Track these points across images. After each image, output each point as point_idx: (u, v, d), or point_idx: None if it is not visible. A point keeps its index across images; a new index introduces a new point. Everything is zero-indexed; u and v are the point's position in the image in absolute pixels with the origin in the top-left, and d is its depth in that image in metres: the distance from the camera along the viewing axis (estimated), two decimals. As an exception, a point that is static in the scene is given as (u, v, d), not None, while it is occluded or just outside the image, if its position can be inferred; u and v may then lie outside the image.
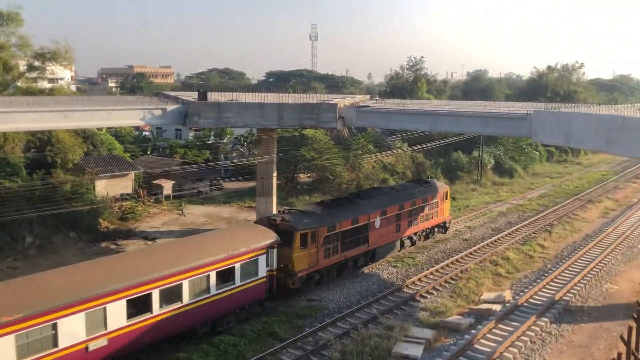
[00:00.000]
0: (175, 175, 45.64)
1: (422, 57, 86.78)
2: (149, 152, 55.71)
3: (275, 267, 24.23)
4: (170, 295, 19.51)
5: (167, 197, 44.44)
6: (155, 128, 63.53)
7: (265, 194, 36.64)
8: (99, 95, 63.45)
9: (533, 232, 38.21)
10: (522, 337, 21.81)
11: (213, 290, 21.05)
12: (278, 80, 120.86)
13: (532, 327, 22.71)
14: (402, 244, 33.24)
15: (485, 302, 25.64)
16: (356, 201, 30.79)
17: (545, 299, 25.74)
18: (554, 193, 52.84)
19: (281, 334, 22.11)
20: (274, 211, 35.51)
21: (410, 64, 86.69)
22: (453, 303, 25.67)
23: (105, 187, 40.94)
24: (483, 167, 59.28)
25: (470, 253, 33.28)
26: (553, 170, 69.13)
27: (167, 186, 44.65)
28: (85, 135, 44.04)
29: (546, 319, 23.48)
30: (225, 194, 48.28)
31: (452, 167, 58.87)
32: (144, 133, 65.53)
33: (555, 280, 28.54)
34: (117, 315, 17.81)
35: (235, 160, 53.85)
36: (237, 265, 21.99)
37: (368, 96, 46.32)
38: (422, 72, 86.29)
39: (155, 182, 44.46)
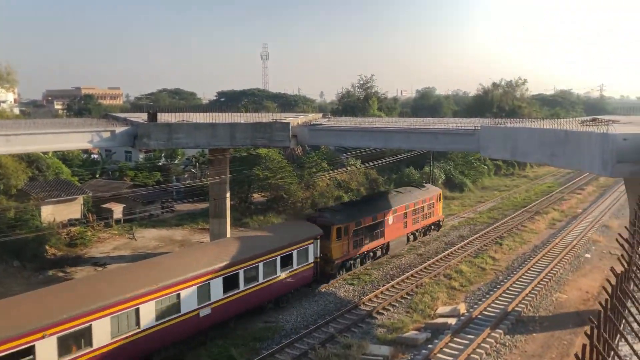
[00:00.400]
0: (125, 199, 44.55)
1: (372, 75, 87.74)
2: (98, 176, 54.32)
3: (318, 255, 29.23)
4: (251, 275, 24.58)
5: (118, 221, 43.31)
6: (104, 150, 62.09)
7: (219, 215, 36.17)
8: (44, 118, 61.53)
9: (484, 245, 39.02)
10: (478, 350, 22.13)
11: (278, 272, 26.33)
12: (230, 100, 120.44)
13: (487, 339, 23.08)
14: (408, 239, 38.74)
15: (441, 316, 25.95)
16: (372, 202, 36.74)
17: (498, 311, 26.24)
18: (503, 206, 54.24)
19: (238, 357, 21.74)
20: (228, 233, 35.11)
21: (361, 82, 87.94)
22: (409, 318, 25.86)
23: (52, 213, 39.55)
24: (434, 182, 60.38)
25: (425, 267, 33.69)
26: (501, 183, 71.03)
27: (118, 210, 43.55)
28: (30, 160, 42.59)
29: (500, 331, 23.92)
30: (178, 216, 47.43)
31: (405, 182, 59.71)
32: (92, 156, 63.94)
33: (508, 291, 29.18)
34: (217, 289, 22.68)
35: (187, 182, 53.08)
36: (295, 252, 27.34)
37: (320, 114, 46.67)
38: (373, 90, 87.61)
39: (105, 206, 43.29)
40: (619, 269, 3.93)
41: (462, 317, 25.31)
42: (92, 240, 39.29)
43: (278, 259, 26.22)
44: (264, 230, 32.28)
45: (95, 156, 63.77)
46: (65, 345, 17.24)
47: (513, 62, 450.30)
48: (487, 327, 24.03)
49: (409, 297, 28.81)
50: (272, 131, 33.62)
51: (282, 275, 26.51)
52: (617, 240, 4.60)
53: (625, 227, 5.16)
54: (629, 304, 3.59)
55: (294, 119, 36.33)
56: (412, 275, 32.18)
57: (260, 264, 25.11)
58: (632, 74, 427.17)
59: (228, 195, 37.31)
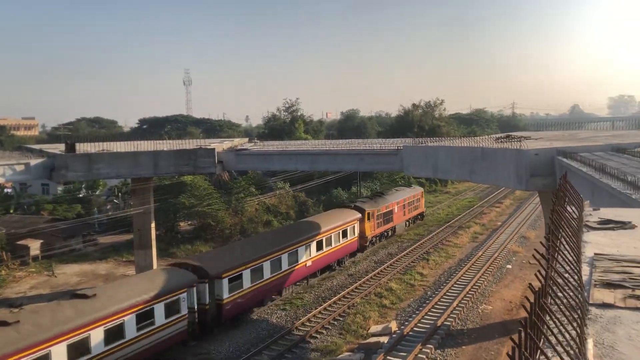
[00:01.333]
0: (43, 234, 42.30)
1: (297, 98, 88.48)
2: (12, 211, 51.34)
3: (358, 232, 40.40)
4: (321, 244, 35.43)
5: (35, 258, 41.00)
6: (18, 184, 58.77)
7: (144, 247, 35.11)
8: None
9: (412, 261, 39.90)
10: (410, 366, 22.44)
11: (335, 243, 37.16)
12: (152, 127, 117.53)
13: (419, 355, 23.48)
14: (406, 224, 50.96)
15: (373, 335, 26.17)
16: (383, 195, 47.48)
17: (428, 326, 26.81)
18: (428, 222, 55.77)
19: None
20: (154, 264, 34.05)
21: (287, 105, 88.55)
22: (342, 340, 25.92)
23: (-39, 253, 36.97)
24: (362, 202, 61.33)
25: (356, 287, 33.98)
26: (425, 200, 73.04)
27: (35, 246, 41.24)
28: None
29: (431, 346, 24.41)
30: (101, 249, 45.54)
31: (334, 203, 60.33)
32: (5, 190, 60.34)
33: (436, 306, 29.90)
34: (312, 249, 33.99)
35: (109, 213, 51.14)
36: (349, 228, 39.13)
37: (247, 139, 46.54)
38: (299, 113, 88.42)
39: (20, 242, 40.90)
40: (537, 283, 4.12)
41: (394, 335, 25.64)
42: (7, 280, 36.95)
43: (334, 234, 36.61)
44: (312, 218, 39.26)
45: (9, 190, 60.22)
46: None
47: (431, 83, 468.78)
48: (419, 343, 24.48)
49: (341, 319, 28.91)
50: (196, 158, 33.17)
51: (335, 247, 36.79)
52: (533, 256, 4.83)
53: (541, 242, 5.42)
54: (547, 318, 3.76)
55: (219, 145, 36.02)
56: (343, 296, 32.35)
57: (325, 238, 35.63)
58: (539, 92, 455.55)
59: (153, 225, 36.32)
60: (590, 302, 4.75)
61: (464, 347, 24.86)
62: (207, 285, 25.90)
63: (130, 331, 21.76)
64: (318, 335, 26.84)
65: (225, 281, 26.59)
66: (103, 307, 20.84)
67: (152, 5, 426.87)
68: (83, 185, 58.15)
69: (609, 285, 5.16)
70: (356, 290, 33.52)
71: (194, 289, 25.43)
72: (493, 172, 26.00)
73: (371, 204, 43.54)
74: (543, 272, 4.32)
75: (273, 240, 32.30)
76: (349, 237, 38.65)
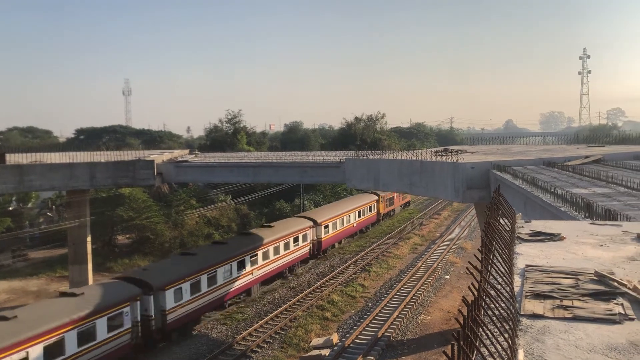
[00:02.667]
0: (-32, 249, 40.06)
1: (239, 110, 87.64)
2: None
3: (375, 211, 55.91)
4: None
5: (-41, 275, 38.73)
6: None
7: (79, 261, 33.89)
8: None
9: (354, 273, 40.17)
10: (352, 378, 22.52)
11: (354, 220, 49.56)
12: (90, 138, 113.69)
13: (360, 366, 23.61)
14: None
15: (315, 348, 26.14)
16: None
17: (369, 337, 27.02)
18: (370, 233, 56.41)
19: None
20: (90, 280, 32.84)
21: (229, 116, 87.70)
22: (284, 354, 25.76)
23: None
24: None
25: (298, 300, 33.88)
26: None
27: (-42, 262, 38.98)
28: None
29: (372, 357, 24.62)
30: (33, 264, 43.53)
31: (276, 216, 60.08)
32: None
33: (377, 317, 30.19)
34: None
35: (42, 227, 48.99)
36: (365, 208, 54.13)
37: (187, 150, 45.83)
38: (241, 125, 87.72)
39: (-58, 258, 38.56)
40: (470, 295, 4.22)
41: (335, 347, 25.69)
42: None
43: (354, 213, 49.47)
44: (338, 202, 52.65)
45: None
46: None
47: (373, 97, 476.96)
48: (360, 354, 24.63)
49: (283, 332, 28.73)
50: (135, 169, 32.39)
51: (354, 223, 50.86)
52: (467, 269, 4.95)
53: (475, 255, 5.56)
54: (479, 331, 3.85)
55: (159, 156, 35.31)
56: (285, 310, 32.18)
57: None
58: (476, 107, 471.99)
59: (89, 239, 35.11)
60: (522, 312, 4.90)
61: (403, 357, 25.20)
62: (151, 297, 25.66)
63: (70, 347, 20.92)
64: (259, 350, 26.57)
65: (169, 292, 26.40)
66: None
67: (88, 11, 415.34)
68: (14, 198, 55.46)
69: (539, 296, 5.34)
70: (298, 303, 33.42)
71: (138, 302, 25.09)
72: (432, 184, 26.64)
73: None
74: (476, 285, 4.43)
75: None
76: (365, 215, 55.53)
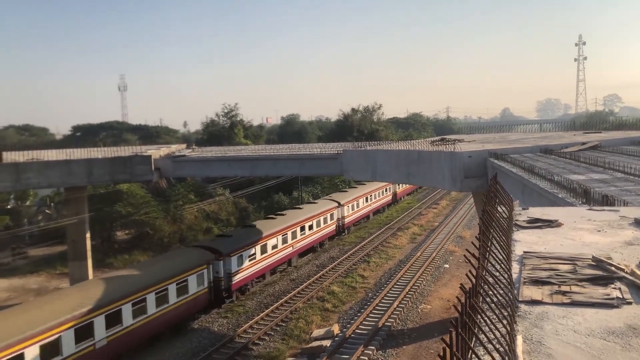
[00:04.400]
0: (-33, 248, 40.06)
1: (236, 103, 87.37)
2: None
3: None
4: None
5: (-41, 274, 38.74)
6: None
7: (79, 258, 33.89)
8: None
9: (353, 264, 40.26)
10: (353, 369, 22.62)
11: (374, 199, 55.15)
12: (86, 134, 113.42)
13: (361, 357, 23.72)
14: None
15: (316, 339, 26.24)
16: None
17: (370, 328, 27.12)
18: (369, 224, 56.49)
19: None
20: (90, 276, 32.88)
21: (226, 110, 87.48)
22: (285, 345, 25.84)
23: None
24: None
25: (298, 292, 33.96)
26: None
27: (-42, 261, 38.99)
28: None
29: (373, 347, 24.70)
30: (32, 262, 43.58)
31: (275, 208, 60.09)
32: None
33: (377, 307, 30.29)
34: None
35: (41, 224, 48.97)
36: (380, 190, 59.83)
37: (185, 145, 45.77)
38: (238, 118, 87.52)
39: (-59, 258, 38.57)
40: (468, 283, 4.24)
41: (336, 338, 25.80)
42: None
43: (375, 193, 56.98)
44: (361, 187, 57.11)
45: None
46: None
47: (370, 88, 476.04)
48: (361, 345, 24.72)
49: (284, 324, 28.82)
50: (132, 165, 32.33)
51: (370, 204, 55.91)
52: (464, 255, 4.97)
53: (472, 242, 5.58)
54: (478, 318, 3.87)
55: (156, 151, 35.25)
56: (285, 302, 32.26)
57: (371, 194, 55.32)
58: (472, 96, 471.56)
59: (88, 235, 35.10)
60: (520, 299, 4.92)
61: (404, 347, 25.31)
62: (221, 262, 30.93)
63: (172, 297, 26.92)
64: (260, 342, 26.66)
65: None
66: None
67: (83, 7, 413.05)
68: (12, 196, 55.42)
69: (537, 282, 5.37)
70: (298, 295, 33.51)
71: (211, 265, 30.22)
72: (429, 174, 26.65)
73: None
74: (474, 272, 4.44)
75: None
76: (381, 196, 61.35)
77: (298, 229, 40.38)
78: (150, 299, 25.18)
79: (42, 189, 49.42)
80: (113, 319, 22.88)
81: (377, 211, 60.72)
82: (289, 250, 39.09)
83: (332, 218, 46.95)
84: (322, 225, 44.94)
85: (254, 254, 34.22)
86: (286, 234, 38.49)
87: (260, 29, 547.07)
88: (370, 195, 57.65)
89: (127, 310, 23.72)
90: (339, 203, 48.65)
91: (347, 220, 50.58)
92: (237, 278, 32.31)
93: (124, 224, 48.17)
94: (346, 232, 50.83)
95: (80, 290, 23.80)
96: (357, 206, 53.67)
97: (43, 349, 19.25)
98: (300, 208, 44.62)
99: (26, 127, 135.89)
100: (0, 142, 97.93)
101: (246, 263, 33.21)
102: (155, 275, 26.17)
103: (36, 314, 20.25)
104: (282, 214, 41.69)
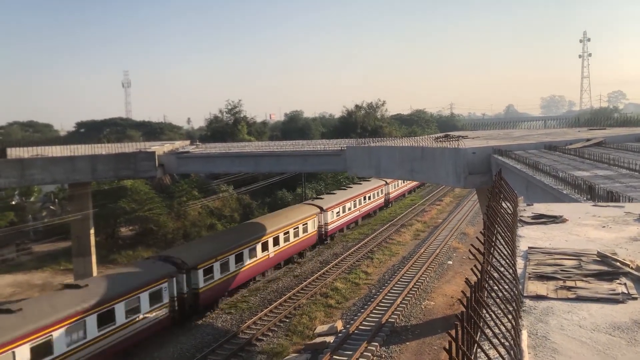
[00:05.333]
0: (-28, 244, 40.20)
1: (239, 100, 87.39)
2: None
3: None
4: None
5: (-36, 270, 38.90)
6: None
7: (83, 254, 34.00)
8: None
9: (357, 260, 40.26)
10: (357, 365, 22.65)
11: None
12: (90, 131, 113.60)
13: (364, 353, 23.74)
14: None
15: (319, 335, 26.28)
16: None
17: (373, 324, 27.14)
18: (372, 221, 56.47)
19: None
20: (94, 272, 32.99)
21: (229, 107, 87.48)
22: (289, 341, 25.89)
23: None
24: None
25: (302, 288, 34.00)
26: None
27: (-37, 257, 39.13)
28: None
29: (376, 343, 24.73)
30: (37, 258, 43.73)
31: (278, 205, 60.12)
32: None
33: (381, 304, 30.31)
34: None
35: (45, 220, 49.11)
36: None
37: (188, 141, 45.83)
38: (242, 115, 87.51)
39: (-54, 253, 38.73)
40: (473, 278, 4.24)
41: (339, 334, 25.83)
42: None
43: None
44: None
45: None
46: None
47: (374, 84, 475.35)
48: (364, 341, 24.74)
49: (287, 320, 28.87)
50: (136, 161, 32.41)
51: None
52: (469, 250, 4.96)
53: (477, 237, 5.57)
54: (483, 313, 3.87)
55: (160, 148, 35.30)
56: (289, 298, 32.30)
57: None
58: (476, 93, 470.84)
59: (92, 231, 35.22)
60: (525, 294, 4.92)
61: (408, 343, 25.32)
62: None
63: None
64: (264, 338, 26.72)
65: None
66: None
67: (86, 3, 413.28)
68: (17, 192, 55.60)
69: (542, 277, 5.36)
70: (302, 291, 33.55)
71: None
72: (433, 170, 26.62)
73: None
74: (480, 267, 4.44)
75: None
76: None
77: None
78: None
79: (46, 185, 49.53)
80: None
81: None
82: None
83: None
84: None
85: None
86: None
87: (264, 25, 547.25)
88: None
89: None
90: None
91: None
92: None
93: (128, 220, 48.27)
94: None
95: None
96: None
97: None
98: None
99: (30, 123, 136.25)
100: (4, 138, 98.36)
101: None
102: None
103: None
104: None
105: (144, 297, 24.56)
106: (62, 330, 20.33)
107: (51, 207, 55.64)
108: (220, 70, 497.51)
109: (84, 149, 36.26)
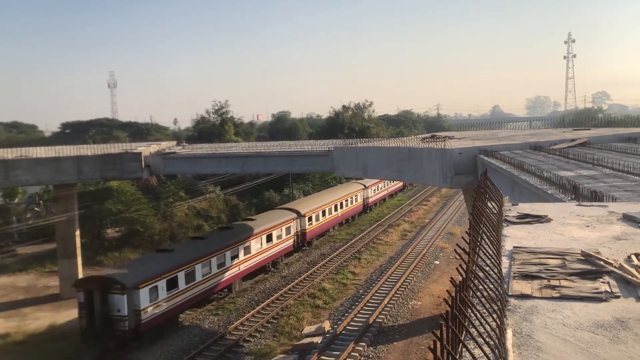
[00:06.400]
0: (-45, 246, 39.66)
1: (226, 100, 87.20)
2: None
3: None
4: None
5: (-54, 272, 38.37)
6: None
7: (68, 255, 33.69)
8: None
9: (344, 261, 40.28)
10: (344, 365, 22.66)
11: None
12: (76, 131, 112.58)
13: (352, 353, 23.77)
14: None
15: (307, 335, 26.27)
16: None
17: (361, 324, 27.18)
18: (360, 221, 56.55)
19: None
20: (80, 274, 32.69)
21: (216, 107, 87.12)
22: (276, 342, 25.85)
23: None
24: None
25: (289, 289, 33.95)
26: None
27: (-55, 259, 38.59)
28: None
29: (363, 344, 24.76)
30: (21, 260, 43.24)
31: (266, 206, 59.97)
32: None
33: (368, 304, 30.36)
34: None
35: (30, 222, 48.58)
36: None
37: (175, 142, 45.62)
38: (229, 115, 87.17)
39: None
40: (459, 277, 4.26)
41: (327, 335, 25.83)
42: None
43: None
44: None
45: None
46: None
47: (361, 86, 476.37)
48: (352, 341, 24.76)
49: (275, 321, 28.82)
50: (122, 162, 32.20)
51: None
52: (455, 250, 4.99)
53: (463, 237, 5.61)
54: (468, 312, 3.89)
55: (146, 149, 35.10)
56: (277, 299, 32.25)
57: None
58: (462, 94, 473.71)
59: (78, 233, 34.91)
60: (510, 293, 4.95)
61: (395, 343, 25.39)
62: None
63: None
64: (251, 339, 26.65)
65: None
66: None
67: (71, 3, 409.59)
68: (0, 193, 54.97)
69: (527, 276, 5.41)
70: (289, 292, 33.51)
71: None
72: (420, 171, 26.72)
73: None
74: (465, 267, 4.47)
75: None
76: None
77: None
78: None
79: (31, 186, 49.00)
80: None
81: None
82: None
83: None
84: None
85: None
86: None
87: (250, 25, 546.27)
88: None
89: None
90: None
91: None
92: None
93: (114, 221, 47.91)
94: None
95: None
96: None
97: None
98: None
99: (14, 124, 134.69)
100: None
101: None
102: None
103: None
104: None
105: None
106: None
107: (36, 208, 55.06)
108: (207, 71, 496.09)
109: (70, 149, 35.94)
